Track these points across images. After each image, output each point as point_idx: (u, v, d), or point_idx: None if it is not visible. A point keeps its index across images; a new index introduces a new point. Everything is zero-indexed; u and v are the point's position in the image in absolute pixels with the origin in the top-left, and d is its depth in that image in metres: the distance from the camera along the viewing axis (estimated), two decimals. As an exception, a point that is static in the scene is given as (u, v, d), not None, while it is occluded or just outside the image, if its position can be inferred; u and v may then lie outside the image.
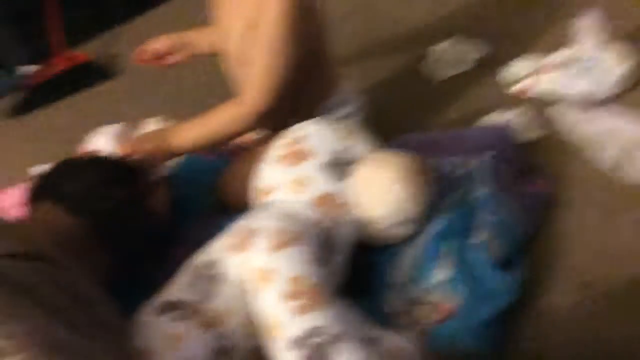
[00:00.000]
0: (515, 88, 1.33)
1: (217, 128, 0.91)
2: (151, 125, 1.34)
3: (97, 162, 0.88)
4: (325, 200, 0.74)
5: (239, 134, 0.93)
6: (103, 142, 1.36)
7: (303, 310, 0.60)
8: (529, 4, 1.66)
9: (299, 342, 0.59)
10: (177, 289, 0.69)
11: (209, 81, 1.83)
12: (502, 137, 0.98)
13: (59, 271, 0.60)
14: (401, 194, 0.72)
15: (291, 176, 0.76)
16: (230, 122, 0.90)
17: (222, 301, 0.66)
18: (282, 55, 0.88)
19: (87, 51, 2.44)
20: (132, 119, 1.73)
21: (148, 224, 0.84)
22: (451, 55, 1.56)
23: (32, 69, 2.28)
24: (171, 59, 1.23)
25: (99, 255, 0.74)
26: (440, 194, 0.79)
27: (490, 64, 1.49)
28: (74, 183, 0.79)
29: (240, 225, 0.72)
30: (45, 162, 1.53)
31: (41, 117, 2.03)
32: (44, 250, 0.63)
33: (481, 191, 0.83)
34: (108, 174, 0.83)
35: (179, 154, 0.96)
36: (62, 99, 2.10)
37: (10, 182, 1.51)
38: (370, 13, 1.86)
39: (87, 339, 0.52)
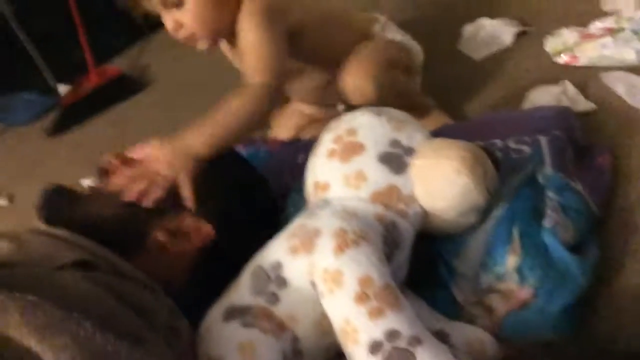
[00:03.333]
0: (561, 58, 1.28)
1: (234, 118, 0.87)
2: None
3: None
4: (385, 194, 0.71)
5: (258, 117, 0.90)
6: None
7: (376, 313, 0.58)
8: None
9: (377, 347, 0.57)
10: (243, 292, 0.68)
11: (238, 85, 1.84)
12: (563, 116, 0.93)
13: (116, 280, 0.59)
14: (466, 183, 0.69)
15: (346, 171, 0.73)
16: (245, 106, 0.88)
17: (291, 304, 0.65)
18: (266, 33, 0.94)
19: (117, 65, 2.48)
20: (169, 127, 1.75)
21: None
22: (487, 33, 1.51)
23: (67, 87, 2.33)
24: None
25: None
26: (503, 178, 0.76)
27: (529, 39, 1.44)
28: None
29: (300, 225, 0.70)
30: (93, 174, 1.56)
31: (82, 132, 2.07)
32: (105, 257, 0.63)
33: (547, 172, 0.79)
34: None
35: (199, 162, 0.82)
36: (99, 113, 2.13)
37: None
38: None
39: (140, 348, 0.52)
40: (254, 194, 0.88)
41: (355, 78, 1.05)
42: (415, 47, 1.22)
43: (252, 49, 0.94)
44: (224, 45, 1.09)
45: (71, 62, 2.58)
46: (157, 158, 0.81)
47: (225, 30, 0.98)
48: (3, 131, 2.36)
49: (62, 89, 2.38)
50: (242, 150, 1.13)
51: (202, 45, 1.00)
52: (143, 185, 0.76)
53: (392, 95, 1.05)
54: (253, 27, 0.95)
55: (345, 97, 1.08)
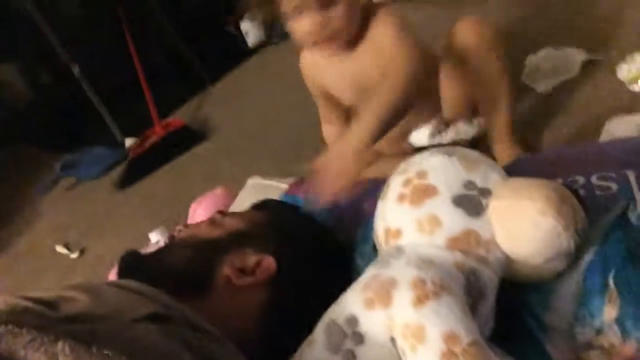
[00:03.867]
0: (637, 86, 1.21)
1: (386, 105, 0.96)
2: (251, 184, 1.34)
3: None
4: (462, 239, 0.67)
5: (406, 103, 0.99)
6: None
7: (465, 371, 0.53)
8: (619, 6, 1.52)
9: None
10: (317, 350, 0.64)
11: (298, 133, 1.84)
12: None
13: (189, 332, 0.58)
14: (553, 226, 0.64)
15: (419, 216, 0.70)
16: (393, 92, 0.96)
17: (369, 363, 0.60)
18: (405, 31, 1.03)
19: (180, 117, 2.57)
20: (231, 176, 1.77)
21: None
22: (551, 63, 1.45)
23: (133, 141, 2.42)
24: None
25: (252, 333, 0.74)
26: (591, 219, 0.70)
27: (599, 68, 1.37)
28: None
29: (374, 275, 0.66)
30: (160, 226, 1.59)
31: (148, 184, 2.13)
32: (178, 309, 0.62)
33: (639, 211, 0.72)
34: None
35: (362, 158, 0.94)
36: (164, 164, 2.19)
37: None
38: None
39: None
40: (317, 246, 0.87)
41: (471, 20, 1.11)
42: None
43: (393, 43, 1.02)
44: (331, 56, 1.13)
45: (136, 116, 2.70)
46: (327, 168, 0.92)
47: (354, 33, 1.07)
48: (74, 186, 2.46)
49: (129, 142, 2.48)
50: (303, 197, 1.11)
51: (333, 49, 1.08)
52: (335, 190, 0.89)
53: (502, 58, 1.12)
54: (391, 26, 1.03)
55: (455, 49, 1.13)
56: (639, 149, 0.86)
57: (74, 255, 1.81)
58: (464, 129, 1.29)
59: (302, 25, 1.02)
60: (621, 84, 1.25)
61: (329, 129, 1.32)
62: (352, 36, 1.07)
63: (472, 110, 1.22)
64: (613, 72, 1.29)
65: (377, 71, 1.05)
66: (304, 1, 0.99)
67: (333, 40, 1.05)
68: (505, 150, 1.16)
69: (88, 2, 2.89)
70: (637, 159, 0.82)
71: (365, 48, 1.08)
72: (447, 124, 1.25)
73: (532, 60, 1.47)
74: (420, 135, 1.23)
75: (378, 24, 1.05)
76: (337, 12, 1.00)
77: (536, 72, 1.44)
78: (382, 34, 1.04)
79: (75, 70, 2.51)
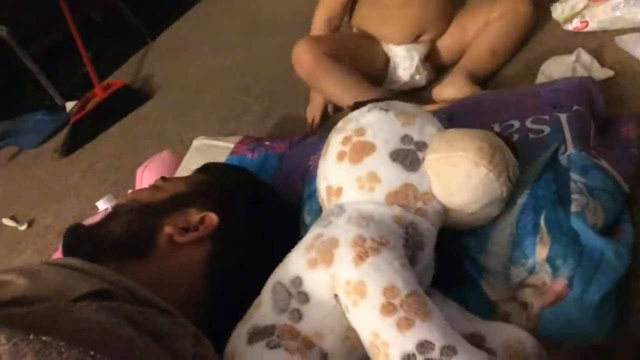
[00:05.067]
0: (571, 25, 1.23)
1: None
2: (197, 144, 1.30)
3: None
4: (401, 194, 0.68)
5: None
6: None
7: (405, 324, 0.56)
8: None
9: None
10: (265, 311, 0.66)
11: (244, 88, 1.80)
12: (582, 89, 0.88)
13: (133, 307, 0.58)
14: (486, 175, 0.66)
15: (358, 173, 0.71)
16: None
17: (315, 320, 0.62)
18: None
19: (122, 76, 2.47)
20: (178, 136, 1.73)
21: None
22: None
23: (75, 104, 2.32)
24: None
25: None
26: (523, 163, 0.72)
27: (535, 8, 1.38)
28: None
29: (317, 235, 0.68)
30: (108, 193, 1.55)
31: (94, 149, 2.06)
32: (122, 284, 0.62)
33: (569, 152, 0.75)
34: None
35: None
36: (107, 128, 2.12)
37: (81, 218, 1.53)
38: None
39: None
40: (259, 200, 0.88)
41: None
42: None
43: None
44: None
45: (76, 78, 2.58)
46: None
47: None
48: (17, 154, 2.37)
49: (70, 106, 2.37)
50: (250, 156, 1.11)
51: None
52: None
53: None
54: None
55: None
56: (571, 90, 0.88)
57: (23, 227, 1.76)
58: (426, 75, 1.32)
59: None
60: (557, 23, 1.27)
61: (322, 23, 1.34)
62: None
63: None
64: (549, 11, 1.30)
65: None
66: None
67: None
68: (464, 86, 1.19)
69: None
70: (569, 101, 0.85)
71: None
72: (427, 58, 1.35)
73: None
74: (407, 54, 1.32)
75: None
76: None
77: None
78: None
79: (3, 31, 2.37)
